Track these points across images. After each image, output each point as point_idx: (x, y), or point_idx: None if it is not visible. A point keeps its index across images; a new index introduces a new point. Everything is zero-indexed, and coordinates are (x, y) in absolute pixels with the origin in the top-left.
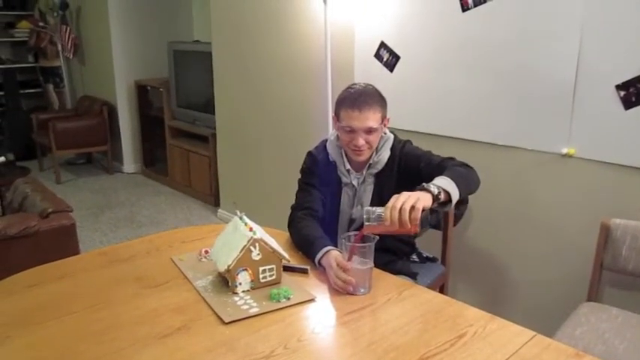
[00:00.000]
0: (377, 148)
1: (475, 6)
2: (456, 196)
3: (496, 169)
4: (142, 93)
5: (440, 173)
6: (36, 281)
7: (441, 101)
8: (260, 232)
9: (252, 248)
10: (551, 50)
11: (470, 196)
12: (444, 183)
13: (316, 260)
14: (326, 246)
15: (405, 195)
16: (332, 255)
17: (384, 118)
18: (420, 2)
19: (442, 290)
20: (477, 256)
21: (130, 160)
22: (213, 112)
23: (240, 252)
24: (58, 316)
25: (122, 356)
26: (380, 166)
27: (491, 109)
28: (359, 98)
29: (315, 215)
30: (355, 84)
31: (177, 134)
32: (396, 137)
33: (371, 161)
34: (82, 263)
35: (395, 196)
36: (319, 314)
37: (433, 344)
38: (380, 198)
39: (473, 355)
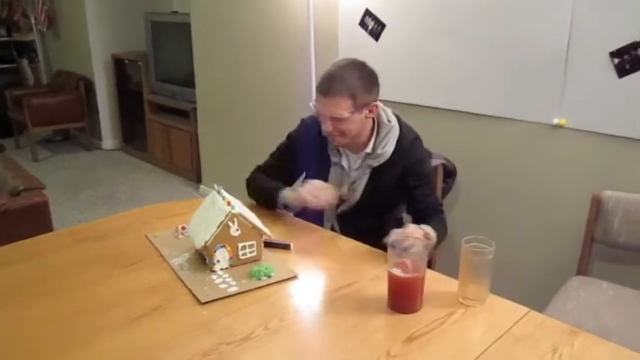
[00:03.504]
0: (378, 139)
1: None
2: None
3: (484, 141)
4: (120, 67)
5: (424, 214)
6: (2, 260)
7: (428, 71)
8: (239, 207)
9: (230, 224)
10: (543, 16)
11: (458, 169)
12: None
13: (281, 199)
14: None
15: (419, 232)
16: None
17: (365, 105)
18: None
19: (430, 265)
20: (465, 230)
21: (108, 137)
22: (193, 86)
23: (218, 228)
24: (26, 298)
25: (94, 339)
26: (382, 160)
27: (480, 78)
28: (326, 81)
29: None
30: (338, 62)
31: (156, 109)
32: (402, 129)
33: (368, 150)
34: (52, 242)
35: (415, 228)
36: (302, 292)
37: (423, 322)
38: (374, 192)
39: (464, 333)
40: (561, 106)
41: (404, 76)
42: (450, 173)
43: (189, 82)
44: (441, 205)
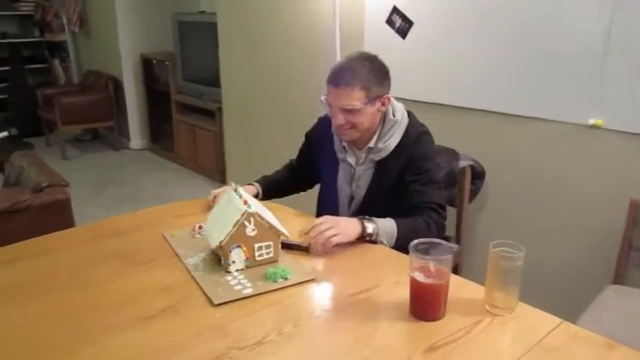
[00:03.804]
0: (381, 133)
1: None
2: (386, 244)
3: (515, 142)
4: (148, 66)
5: (413, 212)
6: (15, 257)
7: (457, 69)
8: (256, 206)
9: (246, 223)
10: (578, 10)
11: (487, 171)
12: (387, 230)
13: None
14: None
15: (333, 222)
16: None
17: (377, 97)
18: None
19: (456, 271)
20: (493, 235)
21: (136, 136)
22: (219, 86)
23: (234, 227)
24: (37, 293)
25: (104, 337)
26: (384, 154)
27: (511, 77)
28: (338, 72)
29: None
30: (352, 54)
31: (183, 109)
32: (412, 122)
33: (371, 145)
34: (69, 238)
35: (325, 218)
36: (319, 296)
37: (447, 331)
38: (378, 186)
39: (491, 344)
40: (598, 105)
41: (432, 74)
42: (478, 175)
43: (215, 81)
44: (440, 206)
